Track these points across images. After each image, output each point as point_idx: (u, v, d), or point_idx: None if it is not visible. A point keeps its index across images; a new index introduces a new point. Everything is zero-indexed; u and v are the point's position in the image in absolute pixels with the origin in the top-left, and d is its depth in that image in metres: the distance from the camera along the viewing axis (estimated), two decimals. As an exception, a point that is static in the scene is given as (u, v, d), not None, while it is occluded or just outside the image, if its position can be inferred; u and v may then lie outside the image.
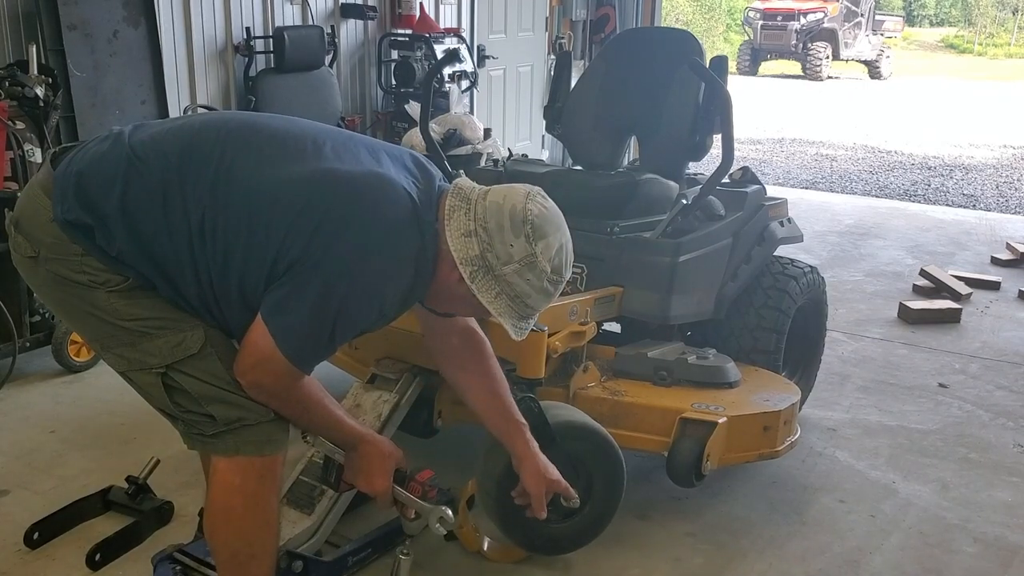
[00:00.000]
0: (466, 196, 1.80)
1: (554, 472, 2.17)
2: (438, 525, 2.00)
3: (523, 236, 1.76)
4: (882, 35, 23.32)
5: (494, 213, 1.77)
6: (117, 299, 1.71)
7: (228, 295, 1.73)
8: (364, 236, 1.68)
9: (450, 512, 2.00)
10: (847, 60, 22.39)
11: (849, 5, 21.81)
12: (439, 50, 5.75)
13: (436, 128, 4.81)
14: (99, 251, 1.69)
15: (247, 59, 5.01)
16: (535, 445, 2.16)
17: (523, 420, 2.16)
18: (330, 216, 1.66)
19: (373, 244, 1.68)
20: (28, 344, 3.54)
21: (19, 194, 1.91)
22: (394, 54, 6.01)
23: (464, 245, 1.76)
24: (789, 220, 3.38)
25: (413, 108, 5.25)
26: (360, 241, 1.67)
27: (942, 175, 9.98)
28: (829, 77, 21.55)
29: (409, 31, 5.99)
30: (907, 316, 4.69)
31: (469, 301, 1.81)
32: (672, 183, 3.19)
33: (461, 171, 3.35)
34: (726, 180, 3.09)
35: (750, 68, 22.19)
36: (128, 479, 2.62)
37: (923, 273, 5.36)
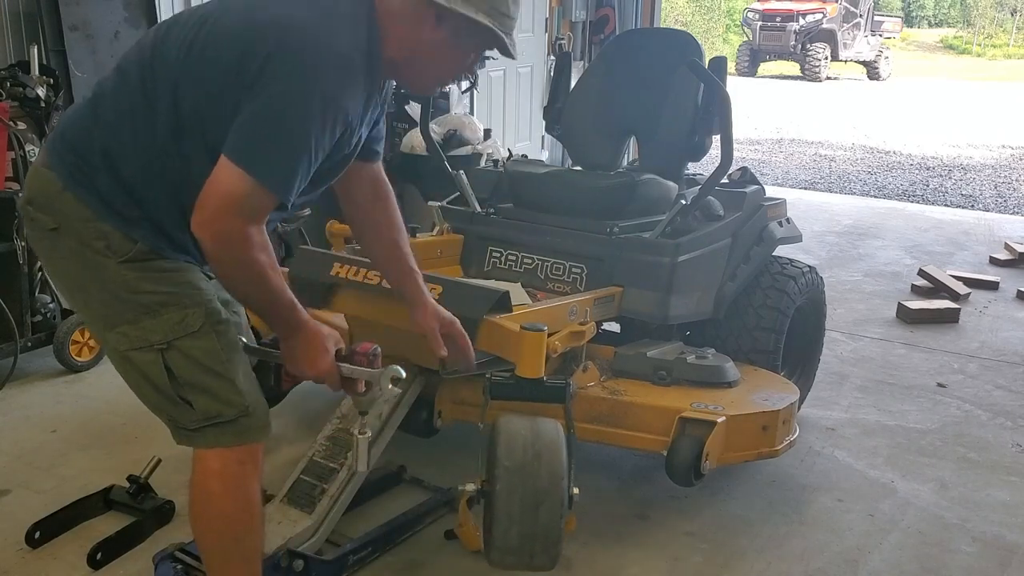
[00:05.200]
0: None
1: (448, 315, 2.16)
2: (391, 386, 1.89)
3: None
4: (881, 36, 23.34)
5: None
6: (126, 270, 1.75)
7: (204, 172, 1.70)
8: (311, 44, 1.67)
9: (401, 370, 1.89)
10: (846, 61, 22.42)
11: (848, 6, 21.83)
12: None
13: (436, 129, 4.82)
14: (109, 210, 1.74)
15: (247, 60, 5.01)
16: (427, 291, 2.17)
17: (417, 268, 2.17)
18: (277, 37, 1.67)
19: (320, 48, 1.68)
20: (29, 344, 3.55)
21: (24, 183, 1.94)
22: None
23: None
24: (788, 220, 3.39)
25: (413, 109, 5.25)
26: (309, 48, 1.67)
27: (941, 175, 10.00)
28: (828, 78, 21.57)
29: (409, 32, 5.98)
30: (906, 316, 4.70)
31: (449, 49, 1.81)
32: (671, 183, 3.20)
33: (461, 171, 3.37)
34: (725, 180, 3.10)
35: (749, 69, 22.21)
36: (129, 478, 2.63)
37: (922, 273, 5.38)
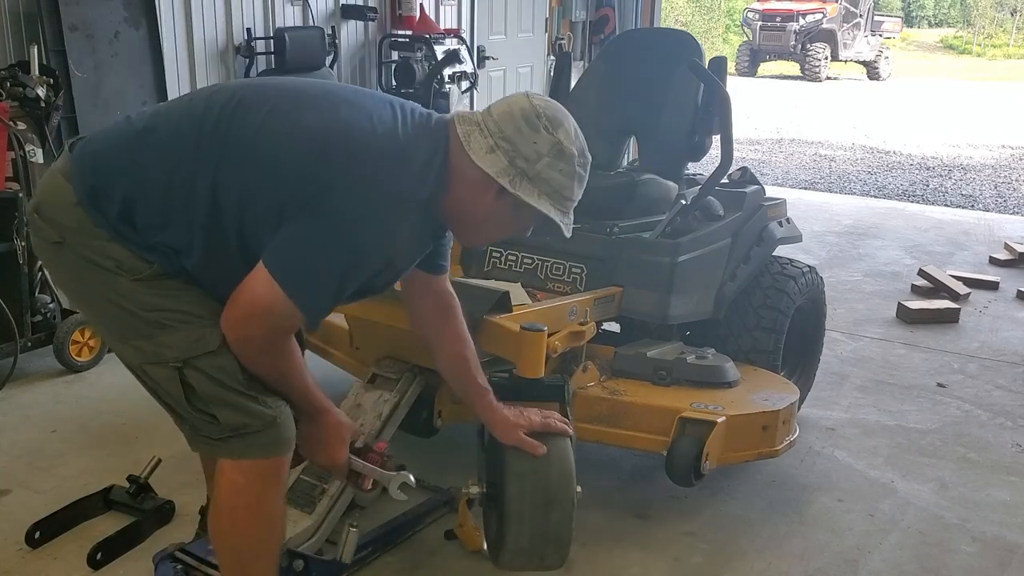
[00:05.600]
0: (472, 119, 1.82)
1: (524, 412, 2.15)
2: (399, 490, 1.98)
3: (542, 129, 1.79)
4: (881, 36, 23.33)
5: (507, 121, 1.79)
6: (141, 287, 1.72)
7: (230, 257, 1.73)
8: (373, 182, 1.69)
9: (411, 476, 1.97)
10: (846, 61, 22.41)
11: (848, 6, 21.82)
12: (439, 51, 5.76)
13: (436, 129, 4.82)
14: (121, 235, 1.71)
15: (248, 60, 5.02)
16: (498, 405, 2.15)
17: (487, 385, 2.16)
18: (341, 163, 1.68)
19: (381, 189, 1.69)
20: (29, 344, 3.55)
21: (38, 181, 1.92)
22: (394, 55, 6.02)
23: (493, 161, 1.77)
24: (788, 220, 3.39)
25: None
26: (369, 186, 1.68)
27: (940, 175, 10.00)
28: (828, 78, 21.57)
29: (409, 32, 5.99)
30: (905, 316, 4.70)
31: (504, 218, 1.84)
32: (671, 183, 3.20)
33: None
34: (725, 180, 3.10)
35: (749, 69, 22.21)
36: (129, 478, 2.63)
37: (921, 273, 5.37)
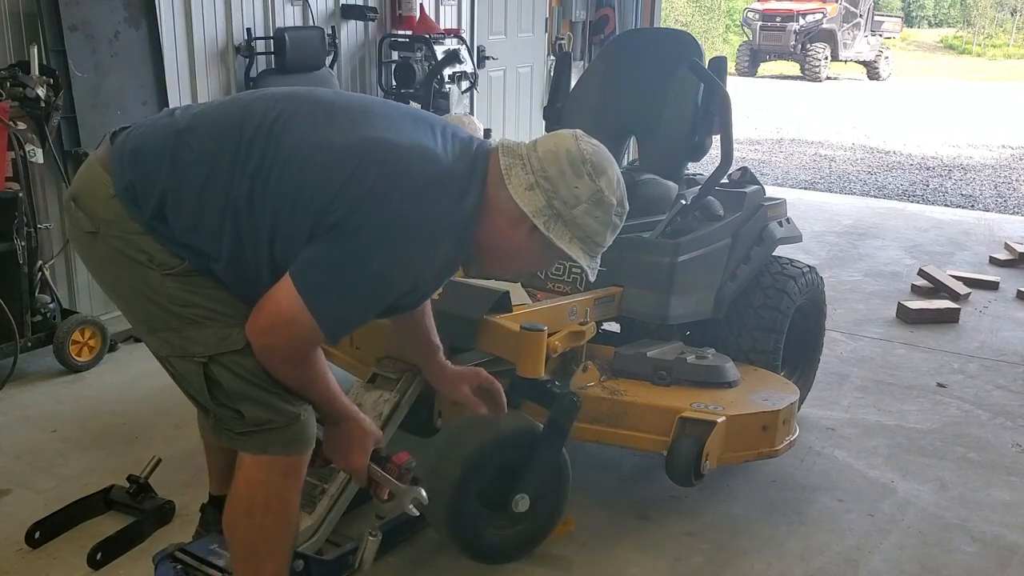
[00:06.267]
0: (517, 152, 1.81)
1: (470, 369, 2.23)
2: (411, 506, 1.99)
3: (585, 175, 1.78)
4: (881, 36, 23.33)
5: (551, 161, 1.78)
6: (171, 282, 1.73)
7: (258, 267, 1.74)
8: (408, 206, 1.68)
9: (424, 493, 1.99)
10: (846, 61, 22.41)
11: (848, 6, 21.82)
12: (439, 51, 5.75)
13: (436, 129, 4.82)
14: (155, 231, 1.72)
15: (248, 60, 5.01)
16: (446, 362, 2.22)
17: (439, 343, 2.20)
18: (377, 184, 1.67)
19: (416, 214, 1.69)
20: (29, 344, 3.54)
21: (79, 169, 1.91)
22: (394, 55, 6.02)
23: (531, 199, 1.77)
24: (788, 220, 3.39)
25: (413, 109, 5.26)
26: (404, 210, 1.68)
27: (940, 175, 10.00)
28: (828, 78, 21.57)
29: (409, 32, 5.99)
30: (906, 316, 4.70)
31: (533, 254, 1.85)
32: (671, 183, 3.20)
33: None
34: (725, 180, 3.10)
35: (749, 69, 22.20)
36: (129, 478, 2.63)
37: (921, 273, 5.37)
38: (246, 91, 1.99)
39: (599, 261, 1.88)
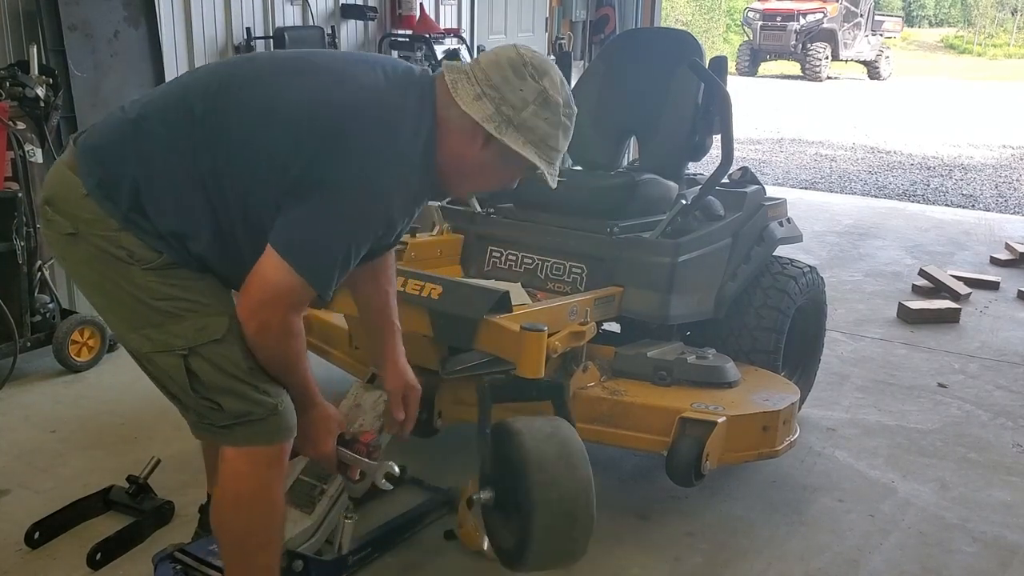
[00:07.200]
0: (460, 69, 1.84)
1: (413, 379, 2.22)
2: (384, 480, 2.01)
3: (528, 77, 1.80)
4: (881, 35, 23.33)
5: (494, 69, 1.80)
6: (151, 276, 1.74)
7: (237, 238, 1.76)
8: (365, 149, 1.71)
9: (395, 466, 2.01)
10: (846, 60, 22.41)
11: (848, 6, 21.82)
12: (439, 51, 5.75)
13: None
14: (134, 224, 1.73)
15: (247, 59, 5.01)
16: (402, 350, 2.21)
17: (399, 325, 2.20)
18: (331, 134, 1.69)
19: (374, 156, 1.71)
20: (29, 344, 3.54)
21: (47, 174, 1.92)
22: (394, 54, 6.01)
23: (479, 108, 1.78)
24: (788, 220, 3.38)
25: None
26: (362, 155, 1.70)
27: (941, 175, 9.99)
28: (828, 77, 21.57)
29: (409, 32, 5.99)
30: (906, 316, 4.70)
31: (495, 166, 1.85)
32: (672, 183, 3.20)
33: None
34: (725, 180, 3.10)
35: (749, 68, 22.21)
36: (129, 479, 2.62)
37: (922, 273, 5.37)
38: (186, 72, 2.00)
39: (557, 169, 1.88)
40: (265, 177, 1.71)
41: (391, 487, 2.04)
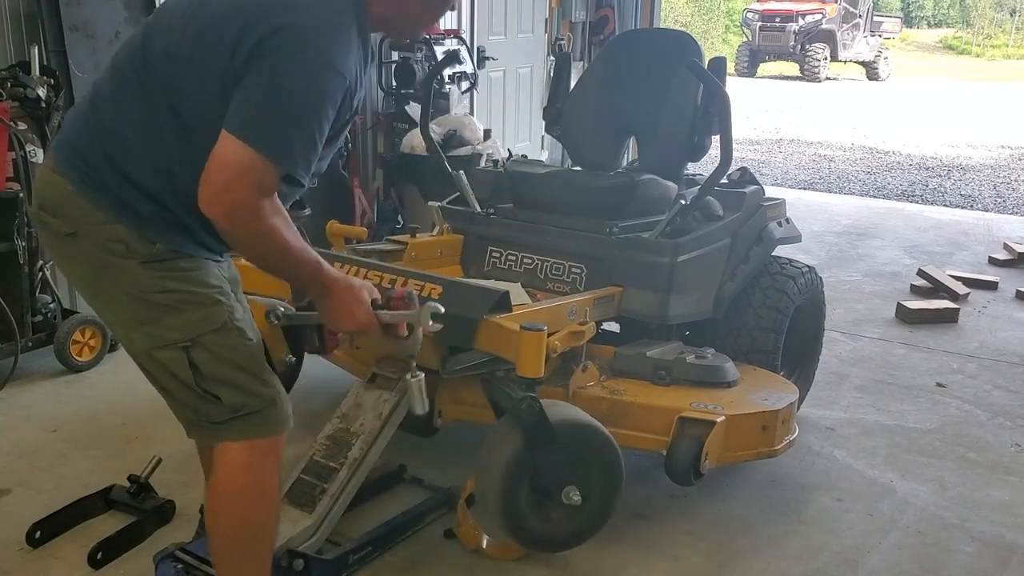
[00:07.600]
0: None
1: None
2: (432, 321, 1.91)
3: None
4: (880, 36, 23.33)
5: None
6: (149, 270, 1.75)
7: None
8: (305, 16, 1.68)
9: (439, 305, 1.92)
10: (845, 61, 22.42)
11: (847, 6, 21.83)
12: (439, 51, 5.76)
13: (436, 129, 4.83)
14: (125, 210, 1.73)
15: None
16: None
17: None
18: (262, 11, 1.67)
19: (311, 16, 1.68)
20: (30, 344, 3.55)
21: (34, 184, 1.94)
22: (394, 55, 6.02)
23: None
24: (787, 220, 3.39)
25: (413, 109, 5.26)
26: (297, 18, 1.67)
27: (940, 175, 10.00)
28: (827, 78, 21.57)
29: (409, 32, 5.99)
30: (905, 316, 4.71)
31: None
32: (671, 183, 3.21)
33: (461, 172, 3.37)
34: (724, 180, 3.11)
35: (748, 69, 22.21)
36: (130, 478, 2.63)
37: (921, 273, 5.38)
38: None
39: None
40: (219, 86, 1.67)
41: (440, 326, 1.94)
